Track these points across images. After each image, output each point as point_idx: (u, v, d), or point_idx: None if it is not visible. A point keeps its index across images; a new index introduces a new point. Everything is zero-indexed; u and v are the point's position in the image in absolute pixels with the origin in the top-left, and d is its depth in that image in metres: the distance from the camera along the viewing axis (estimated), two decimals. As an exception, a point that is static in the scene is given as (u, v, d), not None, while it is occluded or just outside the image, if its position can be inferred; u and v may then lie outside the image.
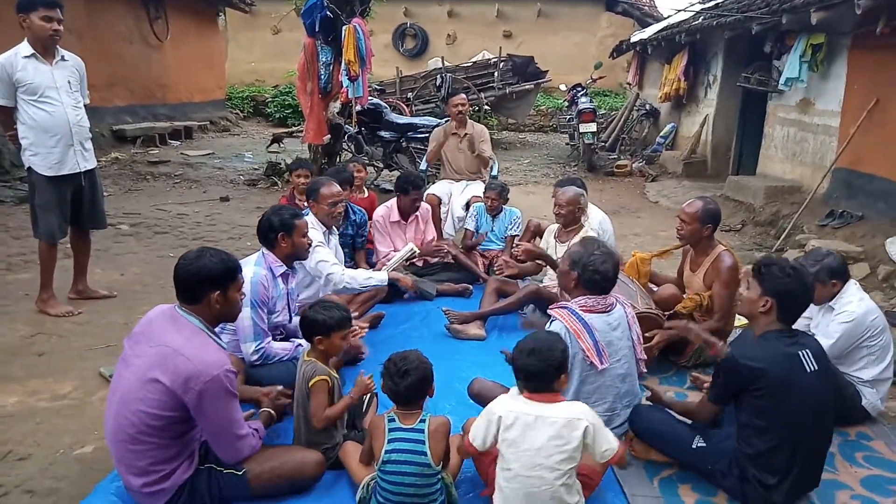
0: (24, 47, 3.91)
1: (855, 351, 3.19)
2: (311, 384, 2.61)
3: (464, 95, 6.19)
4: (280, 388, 2.89)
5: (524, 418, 2.21)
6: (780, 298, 2.50)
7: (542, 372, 2.24)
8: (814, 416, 2.44)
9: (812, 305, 3.41)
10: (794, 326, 3.45)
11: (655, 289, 4.17)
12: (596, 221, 4.63)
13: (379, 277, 4.06)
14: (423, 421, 2.40)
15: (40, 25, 3.86)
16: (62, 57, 4.05)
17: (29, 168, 4.06)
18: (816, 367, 2.46)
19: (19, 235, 5.77)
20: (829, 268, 3.20)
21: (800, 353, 2.47)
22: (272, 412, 2.77)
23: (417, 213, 5.17)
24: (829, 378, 2.55)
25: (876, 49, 6.29)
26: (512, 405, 2.26)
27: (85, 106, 4.22)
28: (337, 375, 2.77)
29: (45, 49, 3.95)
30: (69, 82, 4.06)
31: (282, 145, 10.60)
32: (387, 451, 2.34)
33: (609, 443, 2.24)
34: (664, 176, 10.53)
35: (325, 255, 3.86)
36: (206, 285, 2.30)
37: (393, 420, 2.41)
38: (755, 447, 2.47)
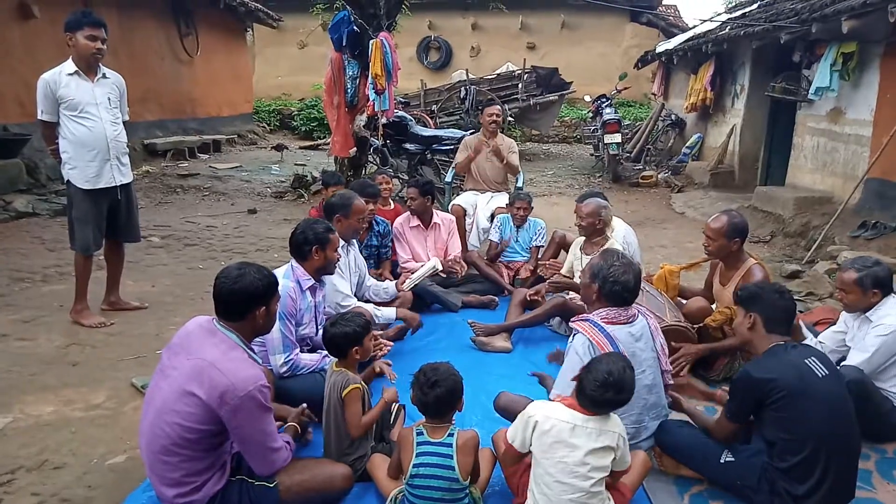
0: (69, 65, 4.04)
1: (892, 365, 3.12)
2: (345, 394, 2.63)
3: (497, 107, 6.21)
4: (304, 405, 2.90)
5: (562, 426, 2.24)
6: (760, 309, 2.63)
7: (613, 401, 2.27)
8: (834, 419, 2.43)
9: (848, 317, 3.37)
10: (825, 340, 3.43)
11: (684, 302, 4.12)
12: (620, 234, 4.61)
13: (387, 315, 4.05)
14: (451, 435, 2.40)
15: (85, 44, 3.99)
16: (104, 74, 4.18)
17: (68, 181, 4.17)
18: (827, 372, 2.48)
19: (55, 248, 5.92)
20: (876, 276, 3.15)
21: (806, 360, 2.50)
22: (297, 426, 2.79)
23: (438, 220, 5.18)
24: (842, 381, 2.57)
25: (909, 57, 6.18)
26: (549, 411, 2.29)
27: (123, 122, 4.33)
28: (366, 385, 2.79)
29: (89, 67, 4.08)
30: (109, 99, 4.17)
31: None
32: (415, 465, 2.35)
33: (628, 458, 2.34)
34: (690, 187, 10.42)
35: (342, 286, 3.90)
36: (250, 303, 2.34)
37: (421, 433, 2.41)
38: (787, 461, 2.44)
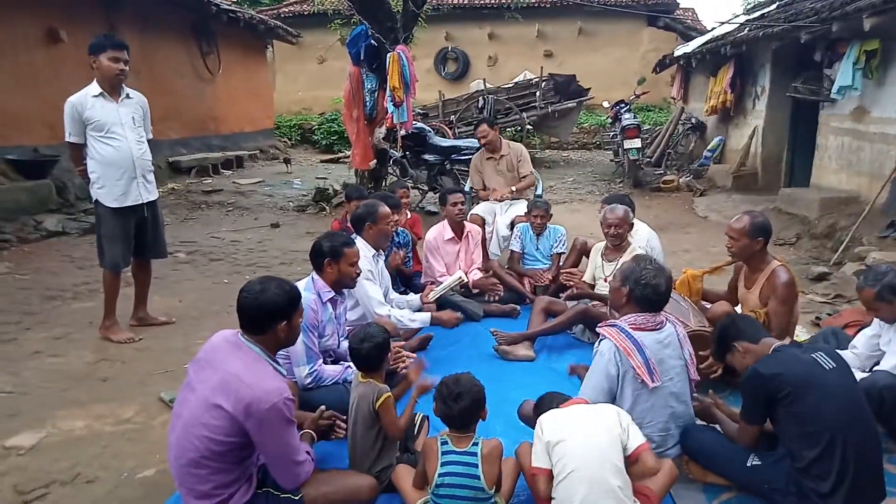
0: (93, 87, 4.15)
1: (928, 369, 3.06)
2: (379, 404, 2.64)
3: (485, 126, 6.04)
4: (323, 407, 2.91)
5: (566, 416, 2.36)
6: (739, 336, 2.73)
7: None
8: (847, 412, 2.42)
9: (882, 323, 3.29)
10: (859, 346, 3.35)
11: (708, 306, 4.07)
12: (643, 239, 4.58)
13: (422, 318, 4.14)
14: (475, 444, 2.41)
15: (108, 66, 4.09)
16: (127, 95, 4.28)
17: (96, 201, 4.27)
18: (834, 365, 2.49)
19: (84, 265, 6.04)
20: (891, 286, 3.09)
21: (813, 354, 2.52)
22: (312, 433, 2.80)
23: (469, 231, 5.21)
24: (851, 374, 2.58)
25: (934, 53, 6.07)
26: (552, 413, 2.38)
27: (148, 141, 4.43)
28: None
29: (112, 88, 4.18)
30: (133, 118, 4.27)
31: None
32: (440, 475, 2.35)
33: (637, 434, 2.37)
34: (713, 190, 10.31)
35: (374, 293, 3.93)
36: (273, 317, 2.36)
37: (446, 443, 2.42)
38: (804, 458, 2.43)
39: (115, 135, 4.17)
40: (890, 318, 3.15)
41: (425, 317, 4.15)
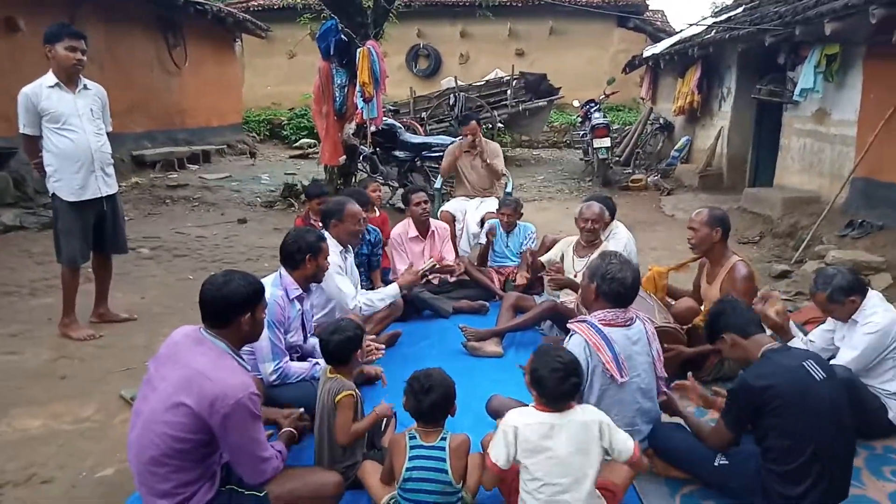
0: (49, 77, 4.02)
1: (881, 363, 3.14)
2: (337, 399, 2.62)
3: (475, 123, 6.25)
4: (301, 410, 2.89)
5: (540, 428, 2.23)
6: (729, 325, 2.67)
7: (561, 390, 2.26)
8: (833, 423, 2.41)
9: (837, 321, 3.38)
10: (815, 339, 3.44)
11: (673, 302, 4.14)
12: (622, 242, 4.60)
13: (391, 292, 4.13)
14: (443, 439, 2.41)
15: (64, 55, 3.97)
16: (85, 86, 4.16)
17: (53, 194, 4.15)
18: (825, 375, 2.45)
19: (42, 261, 5.87)
20: (840, 287, 3.17)
21: (804, 363, 2.47)
22: (294, 431, 2.78)
23: (434, 229, 5.20)
24: (839, 383, 2.54)
25: (892, 58, 6.24)
26: (527, 417, 2.28)
27: (108, 133, 4.31)
28: (359, 393, 2.78)
29: (69, 78, 4.06)
30: (91, 110, 4.16)
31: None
32: (408, 469, 2.35)
33: (626, 440, 2.29)
34: (680, 189, 10.48)
35: (345, 286, 3.89)
36: (236, 309, 2.32)
37: (414, 437, 2.42)
38: (783, 466, 2.42)
39: (72, 126, 4.05)
40: (844, 317, 3.24)
41: (393, 289, 4.14)
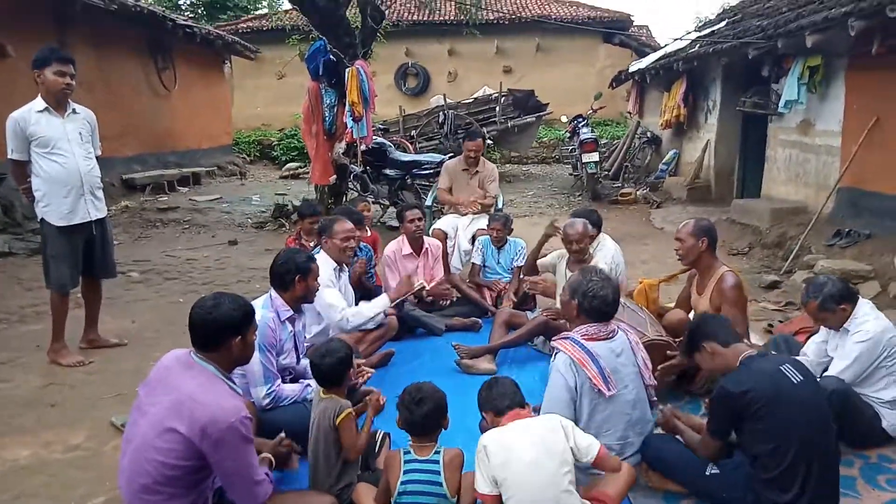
0: (38, 102, 4.03)
1: (874, 371, 3.15)
2: (339, 420, 2.61)
3: (479, 141, 6.23)
4: (282, 434, 2.86)
5: (503, 438, 2.30)
6: (707, 336, 2.72)
7: (504, 395, 2.46)
8: (814, 425, 2.45)
9: (830, 330, 3.40)
10: (809, 353, 3.45)
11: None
12: (609, 255, 4.60)
13: (381, 303, 4.15)
14: (437, 452, 2.43)
15: (53, 80, 3.98)
16: (73, 110, 4.16)
17: (42, 219, 4.13)
18: (802, 378, 2.50)
19: (31, 287, 5.83)
20: (831, 295, 3.19)
21: (780, 367, 2.53)
22: (271, 458, 2.74)
23: (428, 246, 5.20)
24: (818, 386, 2.62)
25: (873, 69, 6.35)
26: (491, 433, 2.36)
27: (97, 157, 4.31)
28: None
29: (58, 103, 4.06)
30: (80, 134, 4.15)
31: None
32: (402, 483, 2.36)
33: (588, 438, 2.37)
34: (669, 202, 10.55)
35: (334, 300, 3.88)
36: (226, 332, 2.31)
37: (408, 452, 2.43)
38: (768, 471, 2.45)
39: (61, 151, 4.04)
40: (836, 325, 3.25)
41: (382, 301, 4.15)
